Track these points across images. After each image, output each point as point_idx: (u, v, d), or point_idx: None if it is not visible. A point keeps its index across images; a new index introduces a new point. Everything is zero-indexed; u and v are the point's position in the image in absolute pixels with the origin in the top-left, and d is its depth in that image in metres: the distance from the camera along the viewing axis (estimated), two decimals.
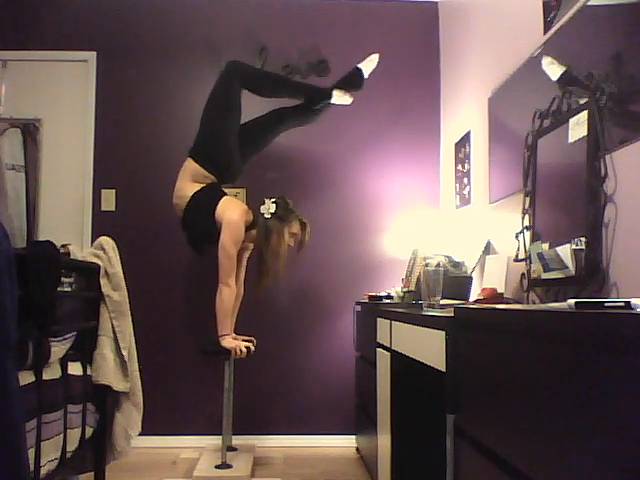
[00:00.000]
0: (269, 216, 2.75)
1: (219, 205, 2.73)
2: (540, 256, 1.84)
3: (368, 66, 3.07)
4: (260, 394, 3.34)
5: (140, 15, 3.47)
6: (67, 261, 1.98)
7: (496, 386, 1.09)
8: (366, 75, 3.06)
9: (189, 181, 2.80)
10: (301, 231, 2.84)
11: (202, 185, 2.80)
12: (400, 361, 2.05)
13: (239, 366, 3.17)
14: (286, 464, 2.97)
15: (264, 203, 2.79)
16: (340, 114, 3.45)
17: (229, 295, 2.66)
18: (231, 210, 2.72)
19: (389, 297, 2.85)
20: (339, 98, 2.97)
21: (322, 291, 3.40)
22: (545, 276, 1.83)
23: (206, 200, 2.77)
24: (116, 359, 2.10)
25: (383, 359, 2.26)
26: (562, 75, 1.91)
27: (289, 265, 3.28)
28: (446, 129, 3.42)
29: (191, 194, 2.77)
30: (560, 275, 1.73)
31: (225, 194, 2.85)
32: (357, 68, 3.05)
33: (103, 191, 3.37)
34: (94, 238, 3.14)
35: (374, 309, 2.59)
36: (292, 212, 2.81)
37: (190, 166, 2.81)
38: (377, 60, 3.09)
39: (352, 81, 3.05)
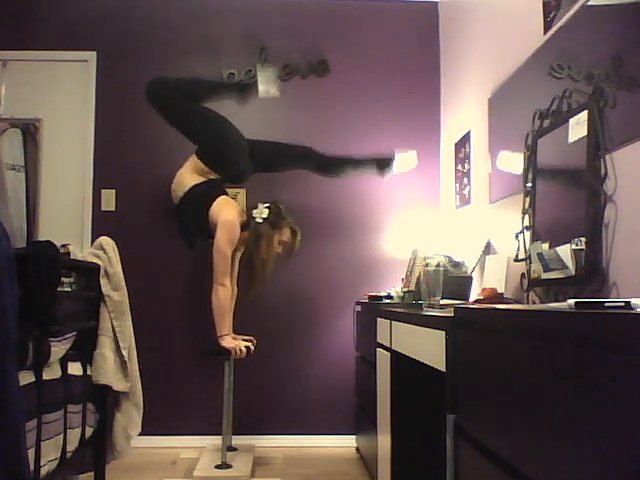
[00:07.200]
0: (261, 221, 2.75)
1: (214, 204, 2.73)
2: (540, 256, 1.84)
3: (401, 163, 3.12)
4: (260, 394, 3.34)
5: (140, 15, 3.47)
6: (67, 261, 1.98)
7: (496, 386, 1.09)
8: (394, 168, 3.12)
9: (192, 172, 2.80)
10: (291, 238, 2.84)
11: (204, 179, 2.80)
12: (400, 361, 2.05)
13: (239, 366, 3.17)
14: (286, 464, 2.96)
15: (257, 207, 2.78)
16: (340, 113, 3.46)
17: (225, 295, 2.66)
18: (227, 211, 2.71)
19: (389, 297, 2.85)
20: (266, 91, 2.91)
21: (322, 291, 3.40)
22: (545, 276, 1.83)
23: (203, 195, 2.77)
24: (116, 359, 2.10)
25: (383, 359, 2.25)
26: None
27: (289, 265, 3.28)
28: (446, 129, 3.42)
29: (191, 185, 2.77)
30: (560, 275, 1.73)
31: (225, 193, 2.84)
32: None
33: (103, 191, 3.37)
34: (94, 238, 3.14)
35: (374, 309, 2.59)
36: (284, 219, 2.80)
37: (195, 160, 2.81)
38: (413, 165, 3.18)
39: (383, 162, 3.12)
